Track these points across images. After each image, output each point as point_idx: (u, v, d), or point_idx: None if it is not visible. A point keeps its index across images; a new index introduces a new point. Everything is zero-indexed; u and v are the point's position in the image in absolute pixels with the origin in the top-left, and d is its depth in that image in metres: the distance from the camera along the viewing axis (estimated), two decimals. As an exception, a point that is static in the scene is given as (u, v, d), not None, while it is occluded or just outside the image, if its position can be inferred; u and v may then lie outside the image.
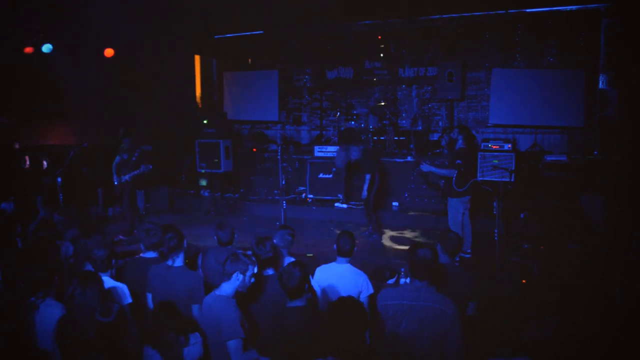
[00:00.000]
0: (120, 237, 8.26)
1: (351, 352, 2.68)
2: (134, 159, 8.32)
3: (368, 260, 7.21)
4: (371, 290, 4.32)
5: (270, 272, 4.17)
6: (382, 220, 8.97)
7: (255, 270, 3.79)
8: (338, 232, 4.89)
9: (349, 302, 2.98)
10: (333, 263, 4.44)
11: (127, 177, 8.28)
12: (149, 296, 4.27)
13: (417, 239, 8.32)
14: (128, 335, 3.29)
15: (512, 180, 8.35)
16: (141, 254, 4.70)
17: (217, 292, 3.65)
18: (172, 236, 4.24)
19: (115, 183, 8.46)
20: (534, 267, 6.27)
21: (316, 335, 3.21)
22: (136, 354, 3.25)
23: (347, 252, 4.38)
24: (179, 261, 4.24)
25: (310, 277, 3.63)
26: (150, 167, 8.30)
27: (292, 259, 4.47)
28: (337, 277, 4.29)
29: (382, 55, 11.84)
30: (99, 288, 3.46)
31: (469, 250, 7.19)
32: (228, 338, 3.41)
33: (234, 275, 3.60)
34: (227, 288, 3.63)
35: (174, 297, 3.71)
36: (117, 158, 8.54)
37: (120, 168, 8.47)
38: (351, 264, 4.46)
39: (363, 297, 4.29)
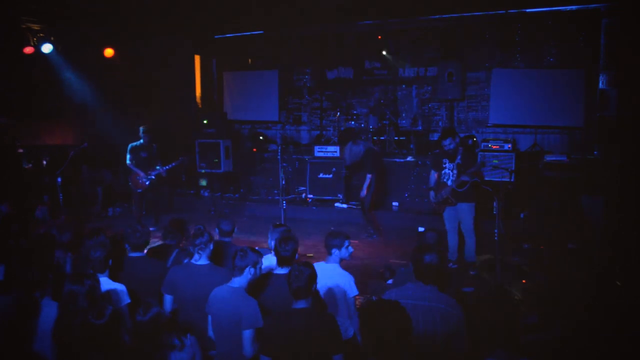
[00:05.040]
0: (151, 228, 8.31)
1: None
2: (153, 154, 8.75)
3: (369, 261, 7.23)
4: (355, 292, 4.30)
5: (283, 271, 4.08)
6: (382, 220, 8.96)
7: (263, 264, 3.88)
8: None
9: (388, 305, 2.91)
10: (322, 262, 4.43)
11: (162, 170, 8.63)
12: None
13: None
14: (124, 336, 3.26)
15: (512, 180, 8.38)
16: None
17: (231, 285, 3.72)
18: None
19: (147, 182, 8.72)
20: (534, 273, 6.27)
21: (319, 338, 3.21)
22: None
23: (334, 246, 4.37)
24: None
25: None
26: (185, 158, 8.89)
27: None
28: (322, 276, 4.22)
29: (382, 53, 11.83)
30: (93, 288, 3.41)
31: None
32: (246, 327, 3.48)
33: (246, 270, 3.70)
34: (240, 282, 3.71)
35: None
36: (130, 156, 8.70)
37: (142, 166, 8.70)
38: (341, 265, 4.42)
39: (348, 298, 4.26)
